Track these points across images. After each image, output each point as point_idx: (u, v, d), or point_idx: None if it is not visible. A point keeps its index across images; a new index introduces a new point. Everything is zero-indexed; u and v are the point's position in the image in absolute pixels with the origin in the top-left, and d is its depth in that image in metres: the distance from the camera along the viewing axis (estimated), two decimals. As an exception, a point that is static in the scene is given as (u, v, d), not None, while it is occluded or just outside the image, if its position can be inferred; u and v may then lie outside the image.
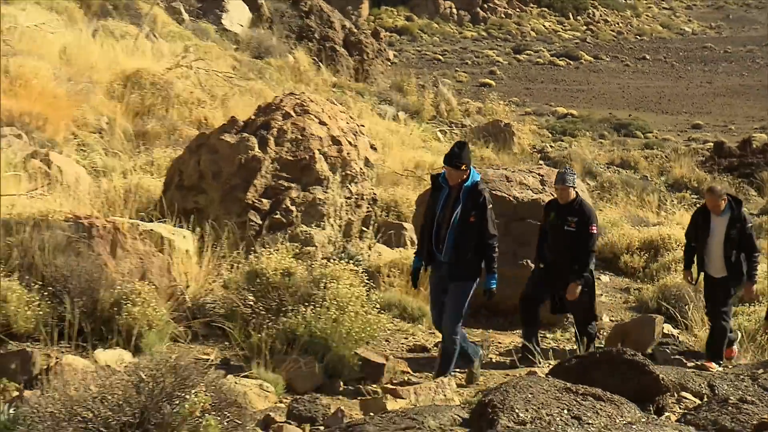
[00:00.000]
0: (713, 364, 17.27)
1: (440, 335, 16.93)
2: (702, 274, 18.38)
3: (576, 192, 16.73)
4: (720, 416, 11.88)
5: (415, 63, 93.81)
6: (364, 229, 21.48)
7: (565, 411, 11.75)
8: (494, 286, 15.24)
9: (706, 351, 17.98)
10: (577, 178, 17.08)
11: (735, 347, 18.17)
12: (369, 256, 20.75)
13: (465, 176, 14.72)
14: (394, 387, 15.92)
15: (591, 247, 16.43)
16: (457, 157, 14.65)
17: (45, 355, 14.06)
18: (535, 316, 16.90)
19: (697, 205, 35.76)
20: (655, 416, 12.41)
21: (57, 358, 13.88)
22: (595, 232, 16.51)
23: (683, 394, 13.51)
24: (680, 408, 13.06)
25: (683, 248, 19.30)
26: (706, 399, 13.17)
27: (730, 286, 17.69)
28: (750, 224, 17.71)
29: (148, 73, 27.59)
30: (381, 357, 16.70)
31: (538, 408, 11.75)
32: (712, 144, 56.20)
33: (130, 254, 16.14)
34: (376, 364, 16.42)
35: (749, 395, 12.75)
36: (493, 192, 19.41)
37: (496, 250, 15.12)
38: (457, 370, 16.65)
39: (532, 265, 19.38)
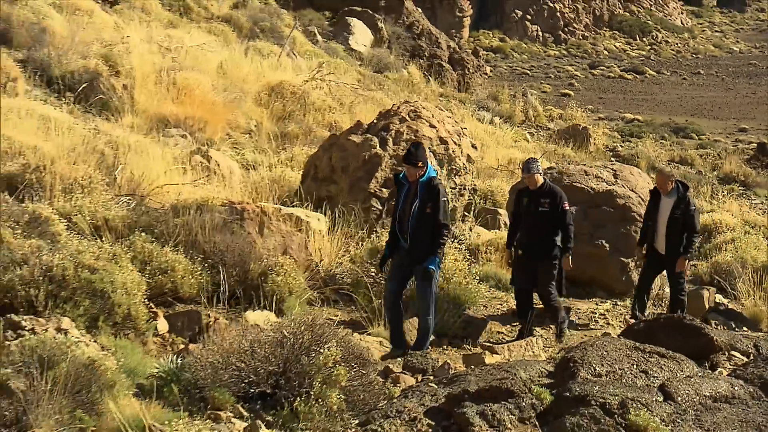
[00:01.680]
0: None
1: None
2: (649, 251, 18.07)
3: (543, 177, 16.21)
4: (765, 371, 11.85)
5: (508, 76, 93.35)
6: (466, 214, 21.44)
7: (635, 366, 11.71)
8: (432, 267, 14.65)
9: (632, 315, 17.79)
10: (540, 165, 16.48)
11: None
12: (470, 236, 20.72)
13: (422, 172, 14.38)
14: (490, 344, 15.94)
15: (568, 221, 15.90)
16: (413, 156, 14.39)
17: (206, 315, 14.18)
18: (530, 304, 16.29)
19: (743, 196, 35.34)
20: (710, 371, 12.38)
21: (215, 318, 13.99)
22: (568, 208, 15.90)
23: (733, 352, 13.40)
24: (730, 364, 12.97)
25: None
26: (752, 357, 13.04)
27: (674, 264, 17.39)
28: (693, 207, 17.34)
29: (289, 85, 27.69)
30: (480, 319, 16.71)
31: (612, 363, 11.70)
32: (756, 144, 55.53)
33: (275, 233, 16.29)
34: (477, 324, 16.43)
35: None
36: (574, 184, 19.31)
37: (445, 237, 14.73)
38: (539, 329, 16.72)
39: (607, 246, 19.22)
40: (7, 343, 11.53)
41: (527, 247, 16.15)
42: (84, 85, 22.49)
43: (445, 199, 14.53)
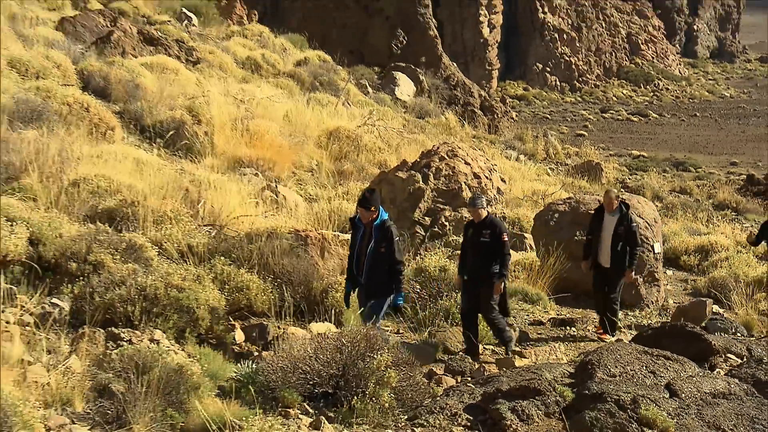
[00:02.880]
0: (607, 336, 17.07)
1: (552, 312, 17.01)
2: (594, 266, 17.52)
3: (487, 211, 15.56)
4: (757, 371, 11.95)
5: (531, 120, 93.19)
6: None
7: (644, 367, 11.76)
8: (401, 302, 14.38)
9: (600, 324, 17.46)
10: (485, 200, 15.66)
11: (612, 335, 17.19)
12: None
13: (374, 216, 13.97)
14: (519, 349, 15.89)
15: (506, 251, 15.28)
16: (367, 201, 14.04)
17: (275, 327, 14.24)
18: (474, 323, 15.47)
19: (735, 221, 35.04)
20: (709, 371, 12.37)
21: (284, 329, 14.05)
22: (506, 240, 15.26)
23: (729, 355, 13.37)
24: (727, 366, 12.96)
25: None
26: (745, 359, 13.02)
27: (616, 276, 17.03)
28: (634, 223, 16.97)
29: (345, 130, 27.77)
30: (510, 328, 16.67)
31: (624, 365, 11.74)
32: (745, 176, 55.36)
33: (333, 256, 16.33)
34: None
35: (777, 356, 12.62)
36: (589, 212, 19.21)
37: (403, 273, 14.29)
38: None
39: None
40: (109, 351, 11.64)
41: (471, 273, 15.54)
42: (171, 132, 22.66)
43: (398, 238, 14.18)
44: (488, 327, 15.68)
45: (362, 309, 14.08)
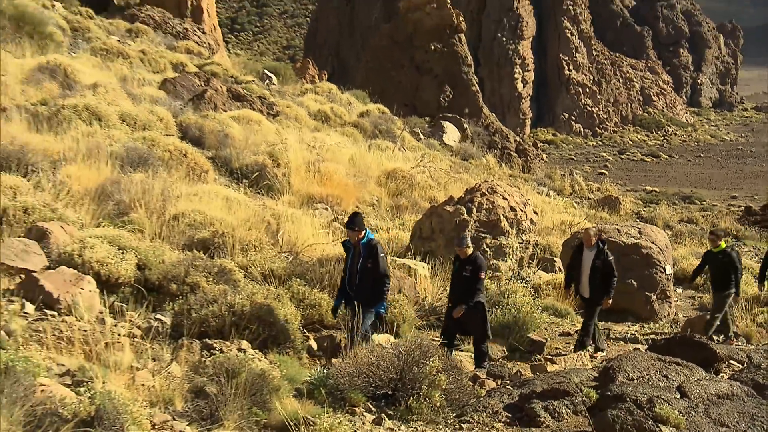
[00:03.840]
0: (599, 353, 16.44)
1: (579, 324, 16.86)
2: (576, 293, 17.03)
3: (472, 249, 15.05)
4: (755, 375, 11.96)
5: (558, 161, 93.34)
6: (530, 261, 21.33)
7: (658, 372, 11.73)
8: (383, 310, 14.00)
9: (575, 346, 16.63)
10: (470, 240, 15.11)
11: (600, 353, 16.50)
12: (533, 278, 20.58)
13: (361, 236, 13.62)
14: (550, 357, 15.82)
15: (478, 286, 14.50)
16: (352, 223, 13.69)
17: (343, 338, 14.22)
18: (452, 340, 14.84)
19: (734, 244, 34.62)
20: (714, 375, 12.28)
21: (347, 342, 14.05)
22: (482, 277, 14.59)
23: (731, 361, 13.41)
24: (729, 371, 12.98)
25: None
26: (746, 365, 12.93)
27: (594, 305, 16.28)
28: (610, 256, 16.21)
29: (400, 171, 27.82)
30: (542, 338, 16.56)
31: (641, 370, 11.73)
32: (743, 208, 54.97)
33: (392, 277, 16.27)
34: (539, 342, 16.29)
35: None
36: (609, 239, 19.07)
37: (387, 285, 13.82)
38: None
39: (635, 284, 18.91)
40: (203, 359, 11.70)
41: (453, 301, 14.99)
42: (255, 174, 22.81)
43: (383, 254, 13.82)
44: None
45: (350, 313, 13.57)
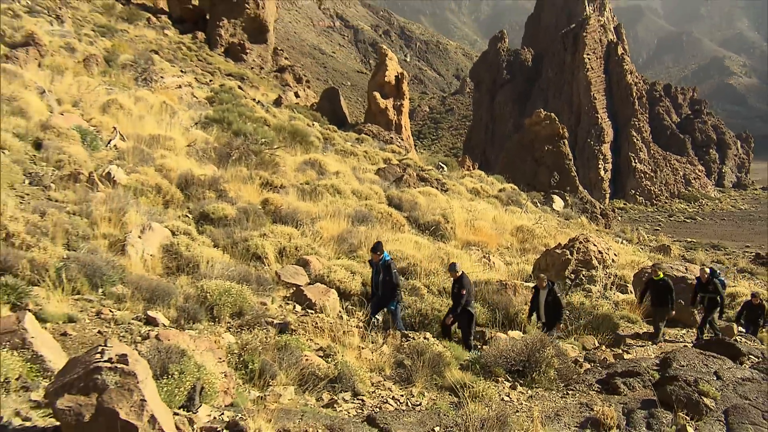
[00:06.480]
0: None
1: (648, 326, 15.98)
2: (537, 321, 14.55)
3: (461, 273, 13.28)
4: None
5: (628, 221, 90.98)
6: (612, 286, 20.43)
7: (700, 362, 11.20)
8: (393, 307, 12.85)
9: None
10: (458, 266, 13.36)
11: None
12: (613, 297, 19.68)
13: (379, 257, 12.72)
14: (626, 349, 15.05)
15: (460, 300, 12.85)
16: (375, 249, 12.81)
17: (491, 332, 13.98)
18: (449, 333, 12.98)
19: (749, 279, 32.21)
20: (739, 365, 11.51)
21: (494, 334, 13.76)
22: (463, 293, 12.90)
23: (751, 356, 12.53)
24: (749, 362, 12.03)
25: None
26: (761, 359, 12.02)
27: (551, 327, 14.18)
28: (559, 294, 14.40)
29: (525, 226, 27.34)
30: (622, 335, 15.83)
31: (689, 360, 11.24)
32: (755, 253, 52.15)
33: (520, 294, 15.89)
34: (620, 337, 15.59)
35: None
36: (665, 273, 18.08)
37: (398, 291, 12.81)
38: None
39: (683, 302, 17.74)
40: (403, 343, 11.75)
41: (449, 309, 13.24)
42: (433, 227, 22.86)
43: (395, 270, 12.83)
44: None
45: (376, 312, 12.83)
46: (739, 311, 18.68)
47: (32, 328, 7.36)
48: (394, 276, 12.71)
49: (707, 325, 16.78)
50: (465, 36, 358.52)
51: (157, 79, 32.57)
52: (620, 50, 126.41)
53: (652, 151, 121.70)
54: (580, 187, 79.94)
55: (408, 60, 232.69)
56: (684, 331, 17.86)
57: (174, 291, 10.90)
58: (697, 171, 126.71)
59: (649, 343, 15.81)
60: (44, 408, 6.38)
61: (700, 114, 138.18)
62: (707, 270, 17.45)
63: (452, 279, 13.72)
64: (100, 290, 10.40)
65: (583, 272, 19.00)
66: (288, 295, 13.23)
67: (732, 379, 10.38)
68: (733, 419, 8.99)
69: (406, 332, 12.77)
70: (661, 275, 16.74)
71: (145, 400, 5.54)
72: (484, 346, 12.49)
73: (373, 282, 13.16)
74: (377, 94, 60.92)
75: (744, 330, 18.14)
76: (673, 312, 16.64)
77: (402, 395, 9.46)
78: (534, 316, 14.69)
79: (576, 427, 8.82)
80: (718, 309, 16.90)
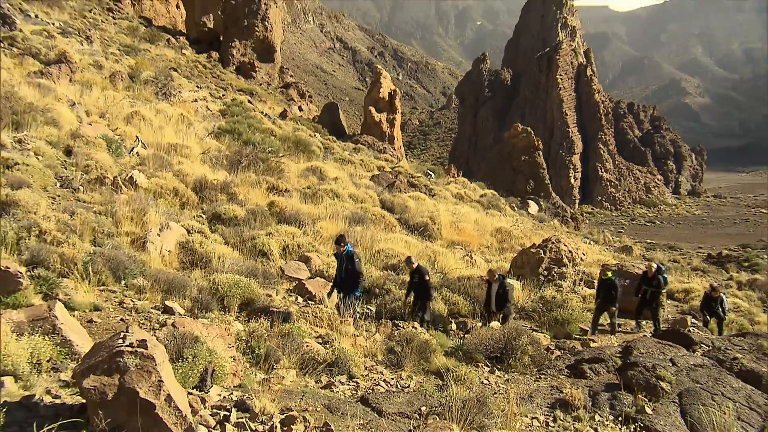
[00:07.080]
0: None
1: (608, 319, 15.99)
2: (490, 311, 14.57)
3: (417, 264, 13.22)
4: (717, 354, 11.28)
5: (595, 224, 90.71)
6: (580, 282, 20.40)
7: (658, 350, 11.09)
8: (358, 293, 12.40)
9: None
10: (417, 259, 13.52)
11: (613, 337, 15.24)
12: (581, 292, 19.66)
13: (343, 248, 12.24)
14: (592, 338, 15.03)
15: (429, 287, 12.90)
16: (338, 241, 12.32)
17: (472, 322, 13.97)
18: (421, 319, 12.88)
19: (702, 277, 32.25)
20: (692, 353, 11.47)
21: (474, 324, 13.75)
22: (427, 279, 12.89)
23: (702, 345, 12.43)
24: (701, 350, 11.96)
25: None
26: (711, 347, 12.01)
27: (503, 316, 13.67)
28: (508, 288, 13.93)
29: (504, 227, 27.33)
30: (586, 329, 15.82)
31: (647, 348, 11.18)
32: (707, 254, 52.22)
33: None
34: (585, 330, 15.58)
35: (729, 346, 11.59)
36: (627, 270, 18.14)
37: (361, 279, 12.25)
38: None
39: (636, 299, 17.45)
40: (393, 332, 11.73)
41: (414, 299, 13.21)
42: (421, 228, 22.84)
43: (358, 260, 12.32)
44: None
45: (340, 298, 12.40)
46: (702, 302, 18.52)
47: (62, 316, 7.36)
48: (357, 265, 12.26)
49: (655, 318, 16.70)
50: (451, 57, 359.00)
51: (175, 93, 32.47)
52: (589, 72, 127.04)
53: (616, 162, 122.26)
54: (553, 194, 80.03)
55: (400, 78, 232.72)
56: (643, 322, 17.87)
57: (189, 283, 10.88)
58: (656, 180, 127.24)
59: (610, 335, 15.84)
60: (72, 387, 6.40)
61: (660, 129, 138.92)
62: (654, 266, 17.26)
63: (409, 270, 13.39)
64: (123, 282, 10.36)
65: (555, 269, 19.01)
66: (291, 288, 13.20)
67: (686, 365, 10.36)
68: (686, 401, 9.03)
69: (358, 315, 12.45)
70: (609, 275, 16.54)
71: (162, 381, 5.54)
72: (466, 335, 12.50)
73: (337, 272, 12.67)
74: (372, 109, 60.97)
75: (709, 318, 17.95)
76: (615, 308, 16.26)
77: (392, 378, 9.46)
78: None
79: (547, 407, 8.85)
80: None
